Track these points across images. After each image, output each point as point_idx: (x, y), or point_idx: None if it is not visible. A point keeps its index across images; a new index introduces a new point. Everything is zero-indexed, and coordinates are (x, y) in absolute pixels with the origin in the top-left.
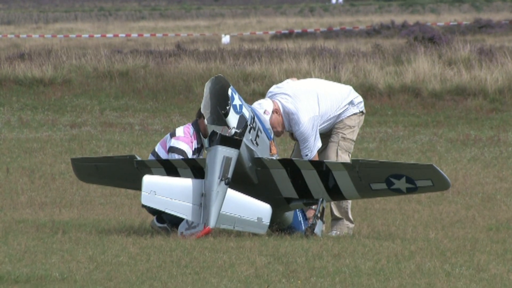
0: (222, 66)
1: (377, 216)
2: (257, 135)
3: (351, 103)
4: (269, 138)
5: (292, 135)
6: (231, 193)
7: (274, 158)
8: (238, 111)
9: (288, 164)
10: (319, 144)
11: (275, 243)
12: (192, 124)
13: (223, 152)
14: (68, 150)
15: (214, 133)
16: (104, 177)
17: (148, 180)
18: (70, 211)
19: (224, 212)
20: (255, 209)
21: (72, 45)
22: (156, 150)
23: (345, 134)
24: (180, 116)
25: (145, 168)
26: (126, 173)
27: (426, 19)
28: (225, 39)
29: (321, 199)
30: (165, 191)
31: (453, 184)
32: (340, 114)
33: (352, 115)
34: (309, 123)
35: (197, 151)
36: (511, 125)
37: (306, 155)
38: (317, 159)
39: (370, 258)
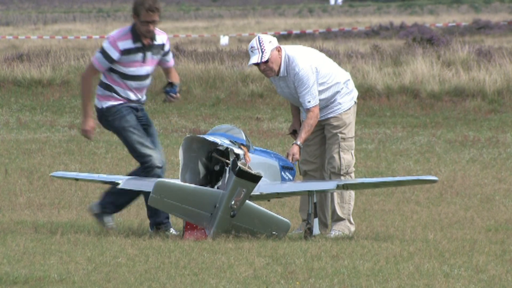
0: (220, 67)
1: (375, 217)
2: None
3: (346, 84)
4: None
5: (293, 134)
6: (251, 206)
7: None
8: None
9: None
10: (317, 96)
11: (273, 244)
12: (133, 24)
13: (238, 183)
14: (67, 151)
15: (234, 163)
16: None
17: (160, 184)
18: (69, 212)
19: (240, 225)
20: (273, 224)
21: (71, 46)
22: None
23: (344, 134)
24: (178, 117)
25: None
26: None
27: (424, 20)
28: (224, 40)
29: (312, 195)
30: (175, 196)
31: (452, 185)
32: (335, 90)
33: (348, 109)
34: (308, 69)
35: (127, 52)
36: (509, 126)
37: (309, 102)
38: (317, 109)
39: (369, 259)
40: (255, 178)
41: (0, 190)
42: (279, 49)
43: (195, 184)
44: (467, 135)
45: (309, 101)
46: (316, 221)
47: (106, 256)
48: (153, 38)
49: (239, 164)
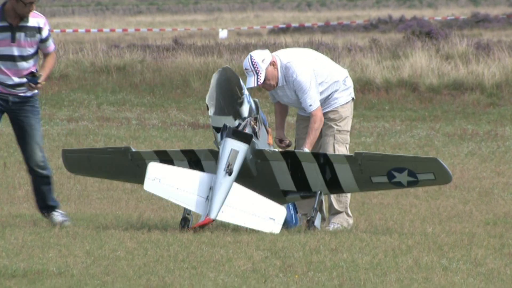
0: (219, 60)
1: (374, 210)
2: (259, 127)
3: (344, 82)
4: (267, 129)
5: (280, 142)
6: (245, 191)
7: (274, 150)
8: (248, 101)
9: (289, 156)
10: (318, 97)
11: (272, 237)
12: (3, 3)
13: (231, 145)
14: (65, 145)
15: (225, 126)
16: (96, 170)
17: (154, 166)
18: (68, 205)
19: (236, 207)
20: (269, 209)
21: (69, 40)
22: None
23: (340, 126)
24: (177, 111)
25: (140, 160)
26: (120, 165)
27: (423, 14)
28: (223, 33)
29: (319, 192)
30: (171, 180)
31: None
32: (334, 89)
33: (345, 103)
34: (306, 73)
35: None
36: (508, 120)
37: (310, 105)
38: (320, 111)
39: (368, 253)
40: (247, 138)
41: None
42: (273, 63)
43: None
44: (465, 129)
45: (311, 105)
46: (319, 216)
47: (105, 249)
48: (23, 19)
49: (228, 125)
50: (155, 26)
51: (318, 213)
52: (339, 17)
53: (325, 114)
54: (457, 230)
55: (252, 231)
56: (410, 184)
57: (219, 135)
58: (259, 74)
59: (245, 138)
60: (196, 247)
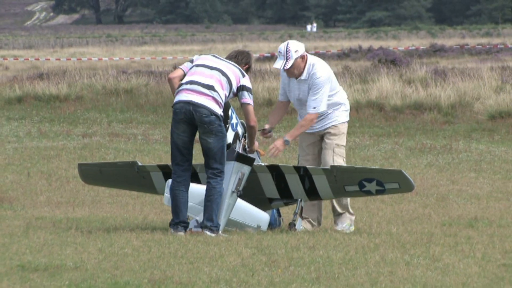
0: None
1: None
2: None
3: (345, 104)
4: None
5: (262, 131)
6: (239, 202)
7: (261, 163)
8: (234, 129)
9: (274, 169)
10: (325, 105)
11: (258, 237)
12: None
13: (238, 168)
14: (81, 157)
15: (232, 150)
16: (107, 180)
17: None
18: (82, 209)
19: (230, 218)
20: (257, 217)
21: (84, 67)
22: None
23: (338, 141)
24: None
25: (145, 172)
26: (128, 176)
27: (388, 44)
28: None
29: (300, 199)
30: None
31: None
32: (335, 107)
33: (344, 122)
34: (325, 78)
35: None
36: (461, 135)
37: (314, 108)
38: (316, 117)
39: (341, 250)
40: (251, 161)
41: (23, 190)
42: (303, 57)
43: None
44: (425, 143)
45: (314, 107)
46: (299, 220)
47: (114, 247)
48: None
49: (236, 150)
50: (158, 55)
51: (299, 217)
52: (316, 47)
53: (327, 129)
54: (417, 230)
55: (241, 231)
56: (378, 192)
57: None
58: (288, 60)
59: (249, 161)
60: (193, 245)
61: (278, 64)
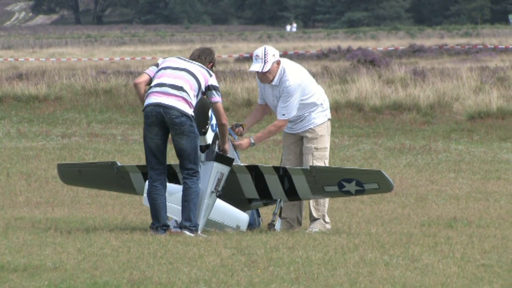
0: None
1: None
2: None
3: (321, 104)
4: (234, 145)
5: (234, 126)
6: (218, 202)
7: (241, 164)
8: (214, 129)
9: (253, 170)
10: (295, 111)
11: (238, 237)
12: None
13: (217, 168)
14: (60, 157)
15: (211, 150)
16: (86, 180)
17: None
18: (62, 209)
19: (210, 218)
20: (236, 218)
21: (63, 67)
22: None
23: (317, 144)
24: None
25: (124, 172)
26: (107, 177)
27: (367, 45)
28: None
29: (279, 200)
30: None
31: None
32: (309, 110)
33: (321, 124)
34: (296, 85)
35: None
36: (440, 136)
37: (283, 114)
38: (286, 123)
39: (320, 250)
40: (230, 161)
41: (3, 191)
42: (279, 62)
43: None
44: (404, 144)
45: (283, 114)
46: (279, 221)
47: (93, 247)
48: None
49: (216, 150)
50: (137, 55)
51: (278, 218)
52: (295, 47)
53: (303, 133)
54: (397, 230)
55: (220, 231)
56: (358, 192)
57: (203, 154)
58: (266, 63)
59: (228, 161)
60: (173, 245)
61: (256, 67)
